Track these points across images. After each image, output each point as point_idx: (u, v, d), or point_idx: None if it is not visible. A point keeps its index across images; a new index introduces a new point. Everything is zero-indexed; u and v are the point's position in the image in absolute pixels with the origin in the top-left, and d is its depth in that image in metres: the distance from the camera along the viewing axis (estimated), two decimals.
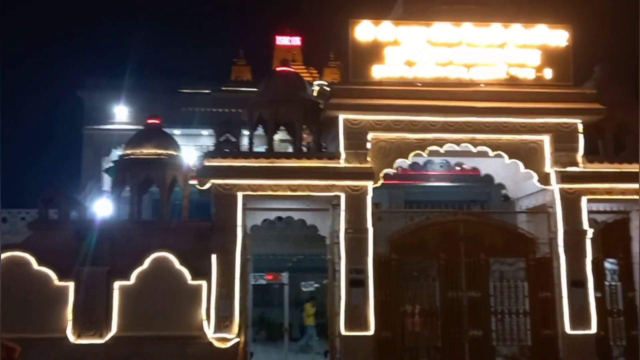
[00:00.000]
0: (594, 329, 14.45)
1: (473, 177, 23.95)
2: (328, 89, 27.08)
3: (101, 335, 13.49)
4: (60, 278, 13.66)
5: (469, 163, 17.10)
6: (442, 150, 15.23)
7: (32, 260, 13.66)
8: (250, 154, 14.86)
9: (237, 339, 13.95)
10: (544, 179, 15.07)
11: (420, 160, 16.94)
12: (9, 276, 13.50)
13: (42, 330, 13.19)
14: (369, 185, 14.65)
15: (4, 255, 13.65)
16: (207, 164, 14.62)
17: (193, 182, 15.56)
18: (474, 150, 15.23)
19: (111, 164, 17.27)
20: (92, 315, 13.56)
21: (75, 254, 13.78)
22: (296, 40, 36.86)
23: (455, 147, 15.19)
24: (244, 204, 14.67)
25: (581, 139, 15.13)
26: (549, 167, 15.05)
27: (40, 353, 12.44)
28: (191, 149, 27.62)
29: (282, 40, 36.39)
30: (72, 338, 13.41)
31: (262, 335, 22.24)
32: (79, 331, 13.49)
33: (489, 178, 17.56)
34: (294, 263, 24.28)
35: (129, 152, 15.42)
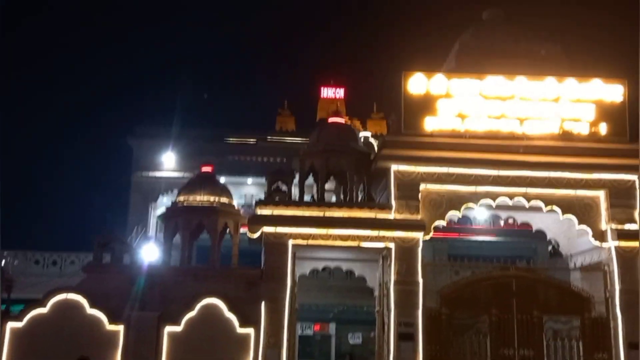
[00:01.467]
0: None
1: (518, 231, 23.69)
2: (372, 140, 27.31)
3: None
4: (111, 322, 13.72)
5: (520, 218, 16.85)
6: (494, 204, 15.09)
7: (85, 303, 13.77)
8: (302, 203, 14.95)
9: None
10: (600, 236, 14.79)
11: (471, 214, 16.81)
12: (62, 318, 13.64)
13: None
14: (420, 236, 14.57)
15: (58, 298, 13.81)
16: (258, 212, 14.73)
17: (243, 229, 15.67)
18: (527, 204, 15.07)
19: (163, 211, 17.48)
20: (142, 359, 13.56)
21: (127, 298, 13.90)
22: (340, 92, 37.25)
23: (508, 201, 15.05)
24: (293, 253, 14.69)
25: (638, 195, 14.85)
26: (604, 224, 14.79)
27: None
28: (235, 197, 27.89)
29: (326, 92, 36.78)
30: None
31: None
32: None
33: (535, 233, 17.27)
34: (336, 314, 24.07)
35: (182, 198, 15.64)
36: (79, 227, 35.13)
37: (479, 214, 21.12)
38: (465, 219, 22.22)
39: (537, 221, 16.55)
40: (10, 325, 13.58)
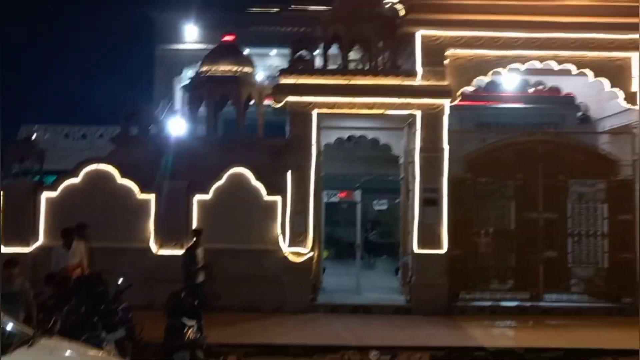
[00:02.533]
0: None
1: (547, 98, 23.16)
2: (397, 5, 26.31)
3: (182, 246, 13.94)
4: (143, 191, 14.11)
5: (550, 82, 16.49)
6: (522, 68, 14.71)
7: (116, 173, 14.12)
8: (326, 71, 14.72)
9: (311, 254, 14.25)
10: (631, 97, 14.42)
11: (499, 79, 16.48)
12: (94, 188, 14.06)
13: (126, 240, 13.74)
14: (446, 103, 14.38)
15: (89, 168, 14.16)
16: (282, 81, 14.59)
17: (267, 101, 15.62)
18: (556, 68, 14.65)
19: (187, 82, 17.42)
20: (173, 227, 14.02)
21: (156, 168, 14.17)
22: None
23: (538, 65, 14.64)
24: (318, 122, 14.68)
25: None
26: (636, 86, 14.39)
27: (125, 262, 12.99)
28: (259, 68, 27.59)
29: None
30: (154, 248, 13.95)
31: (332, 253, 22.62)
32: (161, 242, 14.01)
33: (563, 99, 16.93)
34: (363, 183, 24.38)
35: (205, 69, 15.51)
36: (106, 101, 35.32)
37: (508, 81, 20.74)
38: (493, 87, 21.89)
39: (567, 85, 16.17)
40: (46, 194, 14.08)
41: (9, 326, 6.66)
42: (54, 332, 7.95)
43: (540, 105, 26.35)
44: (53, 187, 14.18)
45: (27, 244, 13.89)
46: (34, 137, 23.91)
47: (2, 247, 13.77)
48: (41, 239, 13.99)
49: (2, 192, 13.52)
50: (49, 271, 10.77)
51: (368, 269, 21.62)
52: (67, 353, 6.61)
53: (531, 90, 24.78)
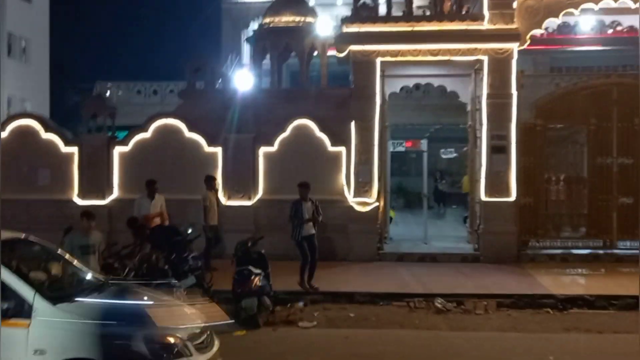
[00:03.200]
0: None
1: (627, 39, 21.96)
2: None
3: (249, 197, 14.26)
4: (210, 144, 14.40)
5: (626, 22, 15.67)
6: (596, 7, 14.01)
7: (184, 127, 14.44)
8: (389, 18, 14.44)
9: (377, 204, 14.27)
10: None
11: (571, 21, 15.77)
12: (164, 141, 14.45)
13: (196, 192, 13.80)
14: (514, 47, 13.91)
15: (158, 123, 14.53)
16: (345, 30, 14.42)
17: (331, 52, 15.50)
18: (633, 5, 13.88)
19: (251, 34, 17.46)
20: (240, 179, 14.30)
21: (222, 121, 14.39)
22: None
23: (612, 4, 13.91)
24: (382, 71, 14.50)
25: None
26: None
27: (196, 213, 13.28)
28: (327, 18, 27.33)
29: None
30: (223, 200, 14.26)
31: (401, 203, 22.63)
32: (229, 194, 14.32)
33: None
34: (432, 133, 24.09)
35: (267, 20, 15.48)
36: (176, 56, 35.89)
37: (584, 22, 19.82)
38: (568, 29, 20.99)
39: None
40: (118, 149, 14.57)
41: (84, 274, 7.02)
42: (126, 279, 8.37)
43: (619, 47, 25.07)
44: (125, 142, 14.64)
45: (103, 197, 14.48)
46: (107, 93, 24.71)
47: (80, 200, 14.45)
48: (116, 192, 14.54)
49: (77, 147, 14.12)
50: (131, 215, 11.28)
51: (437, 218, 21.54)
52: (136, 297, 6.92)
53: (610, 31, 23.65)
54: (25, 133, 14.71)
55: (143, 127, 14.64)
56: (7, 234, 6.82)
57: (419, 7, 15.84)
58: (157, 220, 12.00)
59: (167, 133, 14.49)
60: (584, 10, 14.18)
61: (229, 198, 14.31)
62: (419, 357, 8.53)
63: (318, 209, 11.74)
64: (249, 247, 10.41)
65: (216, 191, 13.60)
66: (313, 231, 11.70)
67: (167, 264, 9.71)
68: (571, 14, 14.21)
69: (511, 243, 13.84)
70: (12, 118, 15.42)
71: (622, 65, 16.18)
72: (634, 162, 14.02)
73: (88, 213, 9.16)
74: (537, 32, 14.16)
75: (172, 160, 14.25)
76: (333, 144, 14.27)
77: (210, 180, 13.43)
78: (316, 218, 11.73)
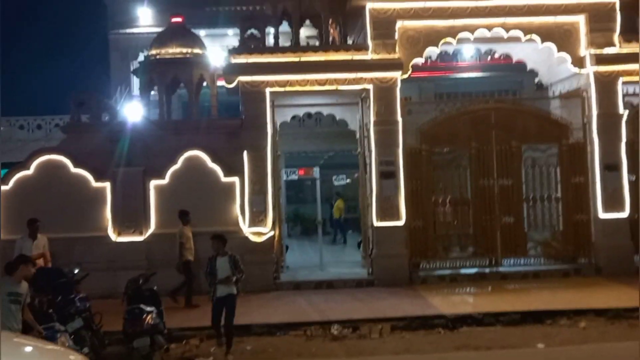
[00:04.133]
0: (627, 212, 14.41)
1: (505, 66, 23.37)
2: None
3: (141, 232, 13.91)
4: (97, 179, 13.96)
5: (500, 50, 16.61)
6: (472, 37, 14.79)
7: (69, 163, 13.93)
8: (277, 49, 14.64)
9: (272, 233, 14.28)
10: (579, 62, 14.63)
11: (450, 50, 16.57)
12: (48, 178, 13.87)
13: (84, 229, 13.61)
14: (398, 76, 14.41)
15: (41, 159, 13.94)
16: (233, 60, 14.48)
17: (221, 82, 15.50)
18: (505, 35, 14.76)
19: (138, 66, 17.18)
20: (130, 214, 13.91)
21: (110, 155, 14.02)
22: None
23: (487, 33, 14.74)
24: (272, 101, 14.64)
25: (618, 17, 14.51)
26: (583, 50, 14.57)
27: (84, 251, 12.97)
28: (218, 49, 27.33)
29: None
30: (113, 236, 13.84)
31: (297, 230, 22.77)
32: (119, 229, 13.92)
33: (521, 66, 17.09)
34: (326, 160, 24.49)
35: (154, 52, 15.31)
36: (61, 90, 34.74)
37: (465, 50, 20.87)
38: (450, 57, 22.01)
39: (518, 51, 16.25)
40: None
41: None
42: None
43: (499, 72, 26.60)
44: (5, 181, 13.94)
45: None
46: None
47: None
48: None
49: None
50: (7, 261, 10.65)
51: (333, 244, 21.80)
52: (16, 347, 6.55)
53: (488, 58, 25.01)
54: None
55: (24, 164, 14.01)
56: None
57: (307, 37, 16.21)
58: (40, 262, 11.45)
59: (51, 169, 13.94)
60: (461, 40, 14.91)
61: (119, 234, 13.90)
62: None
63: (238, 264, 10.02)
64: (140, 284, 10.11)
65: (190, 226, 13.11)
66: (232, 291, 9.93)
67: (52, 307, 9.26)
68: (449, 43, 14.91)
69: (403, 266, 14.20)
70: None
71: (499, 91, 17.12)
72: (512, 182, 14.80)
73: (26, 259, 8.59)
74: (418, 60, 14.74)
75: (58, 197, 13.69)
76: (226, 175, 14.19)
77: (185, 215, 13.05)
78: (234, 276, 9.95)
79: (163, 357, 9.69)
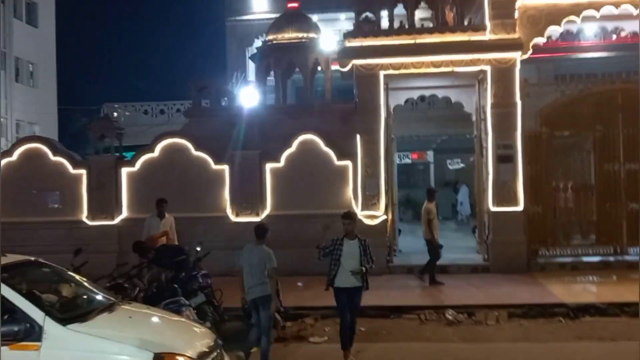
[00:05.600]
0: None
1: (630, 45, 21.99)
2: None
3: (257, 213, 14.28)
4: (217, 162, 14.46)
5: (628, 27, 15.66)
6: (598, 15, 14.04)
7: (190, 146, 14.51)
8: (392, 32, 14.51)
9: (385, 217, 14.26)
10: None
11: (573, 28, 15.80)
12: (171, 160, 14.51)
13: (204, 209, 14.16)
14: (517, 56, 13.94)
15: (165, 142, 14.60)
16: (347, 44, 14.50)
17: (335, 66, 15.58)
18: (634, 12, 13.90)
19: (254, 52, 17.60)
20: (247, 195, 14.33)
21: (228, 139, 14.48)
22: None
23: (614, 10, 13.94)
24: (386, 84, 14.57)
25: None
26: None
27: (205, 230, 13.42)
28: (330, 33, 27.50)
29: None
30: (231, 217, 14.32)
31: (409, 215, 22.60)
32: (237, 210, 14.36)
33: None
34: (438, 144, 24.08)
35: (271, 37, 15.62)
36: (182, 75, 36.16)
37: (587, 29, 19.79)
38: (572, 36, 20.98)
39: None
40: (126, 170, 14.65)
41: (95, 294, 7.05)
42: (136, 299, 8.39)
43: (625, 52, 25.08)
44: (132, 162, 14.73)
45: (112, 217, 14.54)
46: (114, 115, 24.89)
47: (90, 221, 14.52)
48: (124, 212, 14.61)
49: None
50: (137, 239, 11.30)
51: (447, 229, 21.46)
52: (146, 317, 6.94)
53: (613, 37, 23.63)
54: (33, 156, 14.82)
55: (150, 147, 14.73)
56: (17, 257, 6.87)
57: (421, 19, 15.95)
58: (163, 240, 12.00)
59: (174, 152, 14.57)
60: (585, 18, 14.21)
61: (237, 215, 14.34)
62: None
63: (368, 250, 8.58)
64: None
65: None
66: (358, 282, 8.56)
67: (176, 282, 9.71)
68: (573, 21, 14.24)
69: (521, 252, 13.79)
70: (20, 142, 15.57)
71: (626, 71, 16.15)
72: None
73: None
74: (539, 40, 14.19)
75: (180, 179, 14.32)
76: (339, 158, 14.30)
77: (431, 193, 13.44)
78: (362, 266, 8.48)
79: (280, 334, 9.92)
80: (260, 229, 8.93)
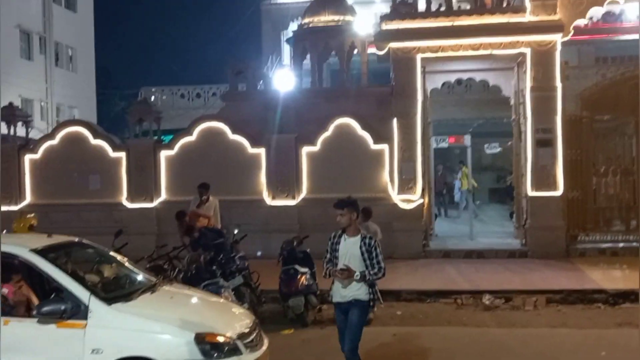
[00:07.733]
0: None
1: None
2: None
3: (293, 197, 14.34)
4: (253, 145, 14.54)
5: None
6: None
7: (227, 130, 14.61)
8: (429, 14, 14.36)
9: (421, 200, 14.20)
10: None
11: (616, 9, 15.44)
12: (208, 144, 14.64)
13: (241, 192, 14.26)
14: (558, 39, 13.68)
15: (202, 126, 14.73)
16: (384, 27, 14.39)
17: (371, 49, 15.50)
18: None
19: (290, 35, 17.59)
20: (283, 179, 14.39)
21: (264, 122, 14.55)
22: None
23: None
24: (423, 67, 14.45)
25: None
26: None
27: (242, 213, 13.54)
28: (366, 16, 27.34)
29: None
30: (268, 200, 14.42)
31: (446, 199, 22.44)
32: (273, 193, 14.44)
33: None
34: (475, 128, 23.81)
35: (307, 21, 15.60)
36: (218, 59, 36.35)
37: (630, 10, 19.31)
38: (613, 18, 20.50)
39: None
40: (164, 153, 14.83)
41: (136, 275, 7.20)
42: (175, 279, 8.53)
43: None
44: (170, 146, 14.91)
45: (151, 200, 14.76)
46: (152, 98, 25.18)
47: (129, 203, 14.76)
48: (163, 195, 14.82)
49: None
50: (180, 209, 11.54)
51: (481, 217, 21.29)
52: (187, 298, 7.07)
53: None
54: (74, 140, 15.09)
55: (188, 131, 14.88)
56: (62, 238, 7.05)
57: (458, 1, 15.74)
58: (205, 222, 12.13)
59: (211, 135, 14.69)
60: None
61: (273, 198, 14.44)
62: (467, 354, 8.47)
63: (373, 252, 6.41)
64: (295, 246, 10.46)
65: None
66: (360, 295, 6.46)
67: (215, 264, 9.85)
68: (616, 2, 13.91)
69: (559, 238, 13.63)
70: (62, 125, 15.86)
71: None
72: None
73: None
74: (580, 22, 13.92)
75: (217, 162, 14.43)
76: (375, 142, 14.26)
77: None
78: (363, 272, 6.35)
79: (316, 316, 10.00)
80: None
